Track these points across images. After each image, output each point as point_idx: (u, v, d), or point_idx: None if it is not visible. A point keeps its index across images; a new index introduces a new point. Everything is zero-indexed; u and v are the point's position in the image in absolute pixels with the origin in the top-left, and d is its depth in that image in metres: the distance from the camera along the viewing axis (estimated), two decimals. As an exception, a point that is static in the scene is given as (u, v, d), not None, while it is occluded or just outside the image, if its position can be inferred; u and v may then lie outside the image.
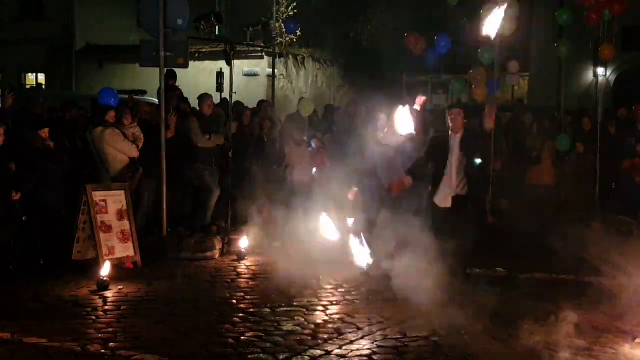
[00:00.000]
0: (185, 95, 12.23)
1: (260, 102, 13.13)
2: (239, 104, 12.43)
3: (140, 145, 9.69)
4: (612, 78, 23.04)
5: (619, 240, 10.13)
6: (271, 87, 19.02)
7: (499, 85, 14.66)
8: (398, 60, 23.67)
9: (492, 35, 8.41)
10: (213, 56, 19.44)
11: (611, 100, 19.55)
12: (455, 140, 7.33)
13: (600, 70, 14.65)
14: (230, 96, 10.20)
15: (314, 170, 12.35)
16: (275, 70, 19.32)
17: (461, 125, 7.32)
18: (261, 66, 21.54)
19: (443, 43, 14.98)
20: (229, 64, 9.97)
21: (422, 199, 8.48)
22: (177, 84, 12.16)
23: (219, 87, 16.38)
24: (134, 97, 11.72)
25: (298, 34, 22.29)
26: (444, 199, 7.32)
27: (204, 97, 10.80)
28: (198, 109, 10.95)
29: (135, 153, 9.59)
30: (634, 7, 12.67)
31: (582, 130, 12.55)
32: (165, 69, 10.21)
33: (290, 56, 22.83)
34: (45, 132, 8.64)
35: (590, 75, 24.65)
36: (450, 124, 7.42)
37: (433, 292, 7.61)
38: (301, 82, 23.58)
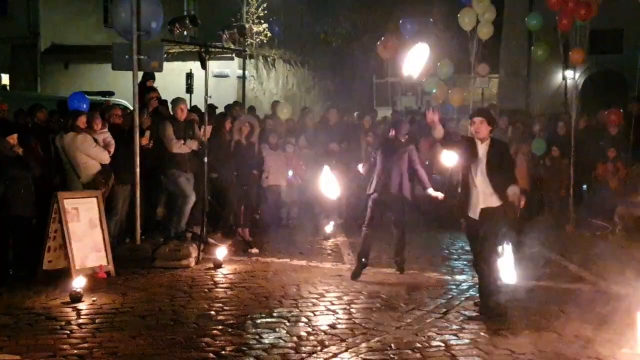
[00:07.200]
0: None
1: (231, 105, 12.90)
2: (210, 106, 12.18)
3: (112, 150, 9.47)
4: (580, 81, 23.28)
5: (596, 245, 10.20)
6: (242, 89, 18.88)
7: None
8: (368, 61, 23.61)
9: (415, 75, 8.31)
10: (182, 57, 19.17)
11: (579, 102, 19.72)
12: (482, 149, 6.79)
13: (569, 73, 14.73)
14: (205, 100, 10.01)
15: (290, 173, 12.25)
16: (246, 72, 19.13)
17: (486, 134, 6.79)
18: (231, 67, 21.31)
19: (409, 26, 14.58)
20: (204, 67, 9.78)
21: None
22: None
23: (189, 89, 16.12)
24: (104, 97, 11.47)
25: (268, 35, 22.15)
26: (473, 209, 6.92)
27: (176, 102, 10.54)
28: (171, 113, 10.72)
29: (106, 159, 9.36)
30: (601, 11, 12.71)
31: (557, 134, 12.58)
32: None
33: (261, 57, 22.67)
34: (13, 138, 8.36)
35: (558, 78, 24.90)
36: (474, 133, 6.84)
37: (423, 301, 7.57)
38: (271, 83, 23.41)
